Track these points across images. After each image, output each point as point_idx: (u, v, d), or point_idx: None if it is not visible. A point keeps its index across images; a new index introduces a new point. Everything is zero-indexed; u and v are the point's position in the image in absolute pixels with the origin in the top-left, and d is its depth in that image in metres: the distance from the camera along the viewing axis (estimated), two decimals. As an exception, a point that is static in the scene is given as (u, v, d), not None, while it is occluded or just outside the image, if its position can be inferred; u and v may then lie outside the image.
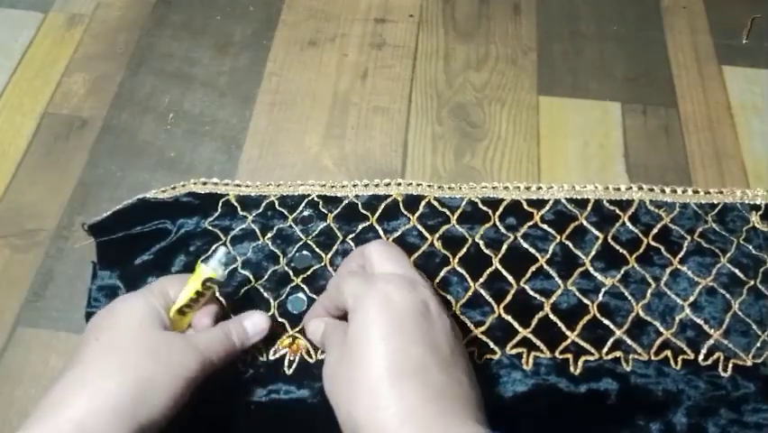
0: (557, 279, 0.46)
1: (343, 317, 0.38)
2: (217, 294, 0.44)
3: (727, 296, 0.45)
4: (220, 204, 0.50)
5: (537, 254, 0.47)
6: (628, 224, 0.48)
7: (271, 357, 0.43)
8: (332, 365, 0.35)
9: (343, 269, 0.41)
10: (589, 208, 0.49)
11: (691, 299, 0.45)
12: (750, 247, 0.47)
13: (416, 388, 0.31)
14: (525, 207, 0.49)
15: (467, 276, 0.46)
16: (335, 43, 0.61)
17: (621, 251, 0.47)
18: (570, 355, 0.43)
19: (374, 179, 0.51)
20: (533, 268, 0.46)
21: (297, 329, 0.44)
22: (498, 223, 0.48)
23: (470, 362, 0.35)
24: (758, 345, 0.43)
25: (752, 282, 0.45)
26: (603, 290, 0.45)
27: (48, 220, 0.50)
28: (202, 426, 0.41)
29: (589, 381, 0.42)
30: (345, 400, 0.33)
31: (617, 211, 0.49)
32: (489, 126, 0.55)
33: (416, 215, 0.49)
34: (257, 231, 0.48)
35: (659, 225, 0.48)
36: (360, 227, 0.48)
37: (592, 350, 0.43)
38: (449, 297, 0.45)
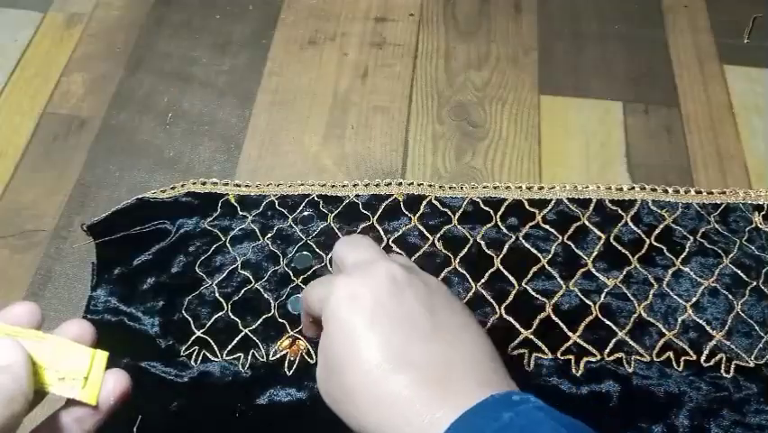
0: (559, 279, 0.46)
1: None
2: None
3: (730, 297, 0.45)
4: (219, 204, 0.50)
5: (539, 255, 0.47)
6: (630, 224, 0.48)
7: (271, 358, 0.43)
8: (320, 370, 0.33)
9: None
10: (591, 208, 0.49)
11: (694, 299, 0.45)
12: (753, 248, 0.47)
13: (417, 367, 0.29)
14: (527, 207, 0.49)
15: (468, 276, 0.46)
16: (335, 42, 0.61)
17: (623, 251, 0.47)
18: (571, 357, 0.42)
19: (374, 178, 0.51)
20: (534, 268, 0.46)
21: (297, 330, 0.44)
22: (499, 223, 0.48)
23: (466, 310, 0.33)
24: (761, 345, 0.43)
25: (754, 283, 0.45)
26: (605, 290, 0.45)
27: (46, 220, 0.50)
28: (201, 428, 0.41)
29: (590, 382, 0.42)
30: (350, 405, 0.31)
31: (620, 211, 0.49)
32: (490, 126, 0.55)
33: (417, 215, 0.49)
34: (257, 231, 0.48)
35: (661, 226, 0.48)
36: (360, 227, 0.48)
37: (594, 351, 0.43)
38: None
